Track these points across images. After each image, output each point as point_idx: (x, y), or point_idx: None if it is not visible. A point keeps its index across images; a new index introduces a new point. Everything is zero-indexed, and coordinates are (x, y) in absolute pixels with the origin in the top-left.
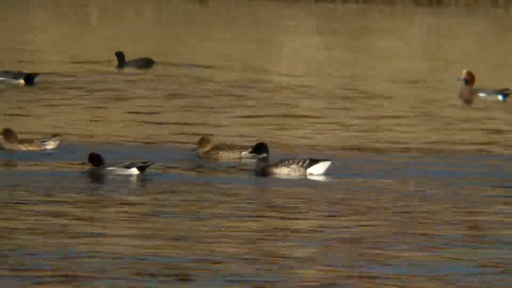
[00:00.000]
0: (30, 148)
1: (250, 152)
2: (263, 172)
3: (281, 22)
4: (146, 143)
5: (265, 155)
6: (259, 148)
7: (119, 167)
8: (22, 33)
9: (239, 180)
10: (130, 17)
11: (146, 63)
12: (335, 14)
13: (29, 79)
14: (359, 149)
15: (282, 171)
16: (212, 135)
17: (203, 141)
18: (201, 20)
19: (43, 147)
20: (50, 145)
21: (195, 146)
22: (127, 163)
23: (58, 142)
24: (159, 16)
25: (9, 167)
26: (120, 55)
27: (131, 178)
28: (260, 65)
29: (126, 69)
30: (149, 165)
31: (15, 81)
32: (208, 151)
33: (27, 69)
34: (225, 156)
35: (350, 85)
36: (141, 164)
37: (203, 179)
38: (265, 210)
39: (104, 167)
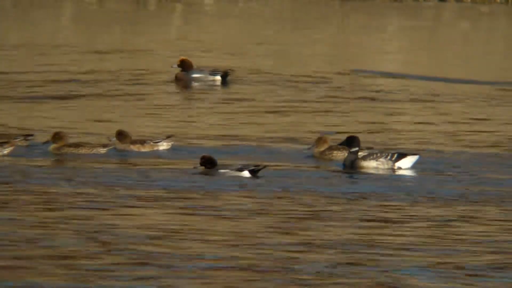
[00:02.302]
0: (142, 150)
1: (340, 144)
2: (351, 165)
3: None
4: (260, 142)
5: (356, 148)
6: (351, 141)
7: (232, 169)
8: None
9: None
10: None
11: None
12: None
13: (225, 76)
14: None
15: (371, 164)
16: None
17: (321, 141)
18: None
19: (155, 148)
20: (163, 146)
21: (310, 145)
22: (239, 166)
23: (172, 143)
24: None
25: (123, 166)
26: None
27: (245, 181)
28: None
29: None
30: (261, 168)
31: (211, 77)
32: (323, 151)
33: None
34: (340, 156)
35: None
36: (253, 168)
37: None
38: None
39: (217, 170)
